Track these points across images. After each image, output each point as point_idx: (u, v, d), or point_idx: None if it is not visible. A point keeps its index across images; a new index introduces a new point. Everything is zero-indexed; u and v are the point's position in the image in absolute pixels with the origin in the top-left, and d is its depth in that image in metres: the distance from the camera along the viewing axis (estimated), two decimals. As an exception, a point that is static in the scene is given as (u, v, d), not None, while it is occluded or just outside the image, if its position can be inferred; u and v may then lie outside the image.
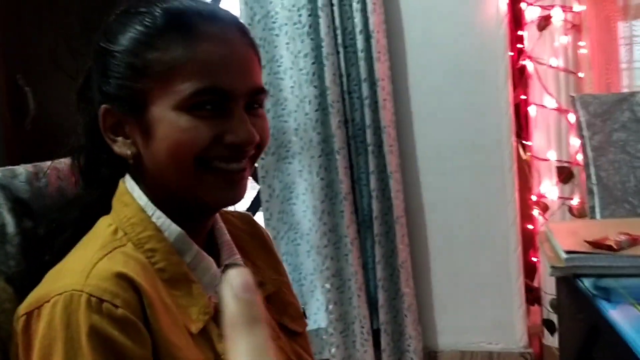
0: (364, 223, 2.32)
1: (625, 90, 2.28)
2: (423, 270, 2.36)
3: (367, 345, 2.28)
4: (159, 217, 0.75)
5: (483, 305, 2.32)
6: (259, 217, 2.40)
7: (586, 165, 1.65)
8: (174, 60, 0.70)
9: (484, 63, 2.24)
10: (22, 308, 0.67)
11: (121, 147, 0.75)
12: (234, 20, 0.76)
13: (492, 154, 2.26)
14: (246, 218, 0.95)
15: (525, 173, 2.32)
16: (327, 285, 2.28)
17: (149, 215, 0.75)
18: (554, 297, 1.97)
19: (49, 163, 0.85)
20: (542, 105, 2.23)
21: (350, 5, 2.19)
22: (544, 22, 2.18)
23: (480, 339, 2.34)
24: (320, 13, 2.17)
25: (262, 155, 1.60)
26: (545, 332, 2.28)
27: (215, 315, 0.71)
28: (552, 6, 2.17)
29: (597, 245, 1.04)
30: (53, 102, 1.89)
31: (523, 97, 2.30)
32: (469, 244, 2.32)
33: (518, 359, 2.29)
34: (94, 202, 0.79)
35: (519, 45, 2.28)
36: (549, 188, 2.24)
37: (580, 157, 1.96)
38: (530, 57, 2.24)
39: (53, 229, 0.77)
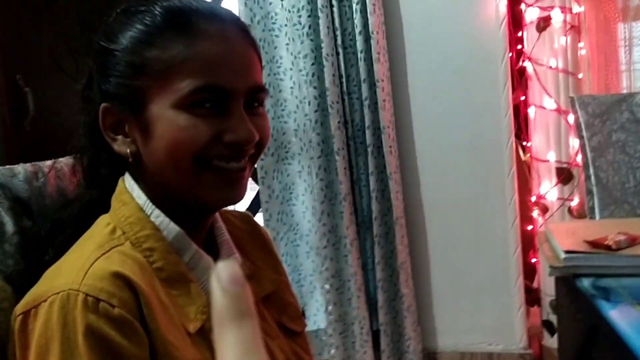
0: (364, 224, 2.32)
1: (624, 92, 2.28)
2: (422, 271, 2.36)
3: (366, 346, 2.28)
4: (158, 216, 0.74)
5: (482, 306, 2.32)
6: (259, 218, 2.40)
7: (585, 166, 1.65)
8: (173, 58, 0.70)
9: (483, 64, 2.24)
10: (20, 307, 0.67)
11: (121, 145, 0.75)
12: (234, 19, 0.76)
13: (492, 155, 2.26)
14: (246, 218, 0.95)
15: (524, 174, 2.32)
16: (327, 286, 2.28)
17: (148, 214, 0.74)
18: (554, 298, 1.97)
19: (48, 162, 0.85)
20: (542, 106, 2.23)
21: (350, 6, 2.19)
22: (544, 24, 2.18)
23: (480, 340, 2.34)
24: (319, 14, 2.17)
25: (262, 156, 1.61)
26: (545, 333, 2.28)
27: None
28: (552, 7, 2.17)
29: (596, 245, 1.04)
30: (53, 102, 1.89)
31: (522, 98, 2.30)
32: (469, 245, 2.32)
33: (517, 360, 2.29)
34: (93, 201, 0.79)
35: (518, 47, 2.28)
36: (548, 189, 2.24)
37: (579, 158, 1.96)
38: (529, 58, 2.24)
39: (53, 228, 0.77)
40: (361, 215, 2.32)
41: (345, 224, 2.24)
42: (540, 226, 2.24)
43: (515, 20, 2.26)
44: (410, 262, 2.29)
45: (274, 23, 2.29)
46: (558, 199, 2.22)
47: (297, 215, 2.38)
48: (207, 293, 0.74)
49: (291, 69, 2.28)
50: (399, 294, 2.28)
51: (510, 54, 2.24)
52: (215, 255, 0.80)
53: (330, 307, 2.29)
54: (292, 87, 2.30)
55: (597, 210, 1.61)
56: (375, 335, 2.31)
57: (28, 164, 0.83)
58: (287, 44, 2.28)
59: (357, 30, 2.18)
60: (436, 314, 2.38)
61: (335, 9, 2.19)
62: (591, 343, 1.04)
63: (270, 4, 2.29)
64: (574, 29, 2.17)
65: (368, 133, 2.22)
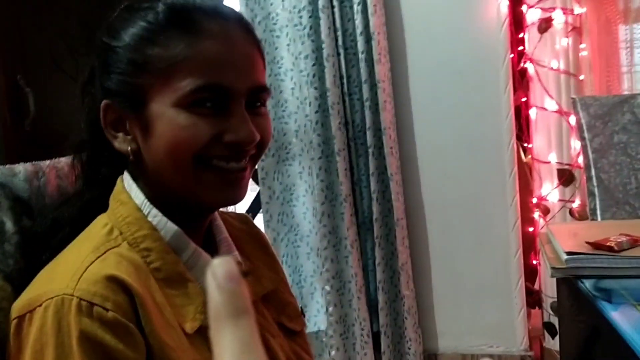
0: (364, 225, 2.32)
1: (626, 93, 2.28)
2: (423, 272, 2.36)
3: (367, 347, 2.27)
4: (155, 216, 0.74)
5: (483, 308, 2.32)
6: (259, 219, 2.40)
7: (587, 167, 1.65)
8: (174, 56, 0.70)
9: (484, 65, 2.23)
10: (14, 311, 0.66)
11: (121, 143, 0.75)
12: (237, 17, 0.76)
13: (493, 156, 2.26)
14: (244, 218, 0.95)
15: (526, 176, 2.31)
16: (327, 288, 2.27)
17: (145, 213, 0.74)
18: (555, 299, 1.96)
19: (48, 162, 0.85)
20: (543, 108, 2.22)
21: (351, 7, 2.19)
22: (545, 25, 2.18)
23: (481, 342, 2.34)
24: (320, 15, 2.17)
25: (262, 157, 1.61)
26: (546, 335, 2.28)
27: None
28: (553, 9, 2.17)
29: (598, 246, 1.04)
30: (53, 102, 1.89)
31: (524, 99, 2.30)
32: (470, 247, 2.31)
33: (518, 362, 2.29)
34: (92, 200, 0.78)
35: (519, 48, 2.28)
36: (549, 190, 2.24)
37: (581, 160, 1.96)
38: (531, 60, 2.24)
39: (51, 226, 0.77)
40: (362, 216, 2.31)
41: (346, 225, 2.24)
42: (542, 228, 2.24)
43: (517, 22, 2.26)
44: (411, 264, 2.28)
45: (274, 24, 2.29)
46: (559, 200, 2.22)
47: (298, 216, 2.37)
48: (205, 292, 0.73)
49: (292, 70, 2.28)
50: (400, 295, 2.27)
51: (512, 55, 2.24)
52: (214, 254, 0.80)
53: (330, 309, 2.28)
54: (292, 88, 2.29)
55: (598, 212, 1.60)
56: (376, 337, 2.30)
57: (28, 164, 0.83)
58: (288, 45, 2.27)
59: (358, 31, 2.18)
60: (437, 316, 2.38)
61: (336, 10, 2.19)
62: (592, 345, 1.03)
63: (271, 4, 2.29)
64: (576, 30, 2.17)
65: (369, 134, 2.21)
